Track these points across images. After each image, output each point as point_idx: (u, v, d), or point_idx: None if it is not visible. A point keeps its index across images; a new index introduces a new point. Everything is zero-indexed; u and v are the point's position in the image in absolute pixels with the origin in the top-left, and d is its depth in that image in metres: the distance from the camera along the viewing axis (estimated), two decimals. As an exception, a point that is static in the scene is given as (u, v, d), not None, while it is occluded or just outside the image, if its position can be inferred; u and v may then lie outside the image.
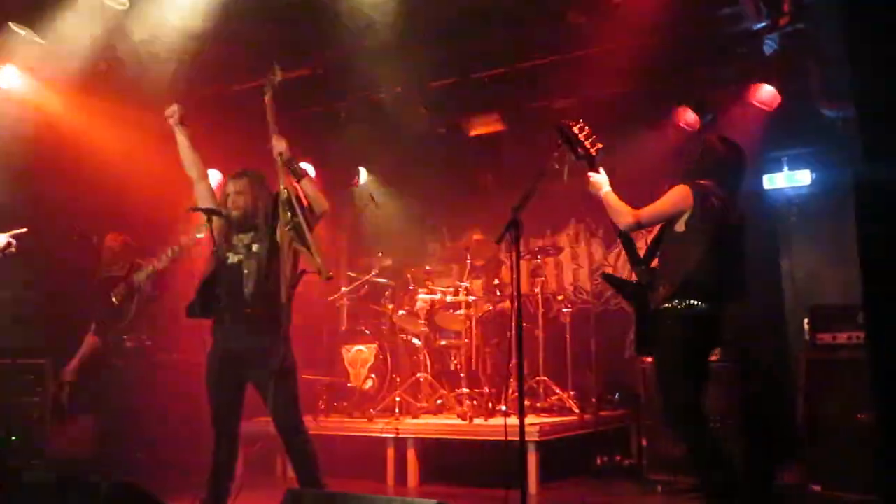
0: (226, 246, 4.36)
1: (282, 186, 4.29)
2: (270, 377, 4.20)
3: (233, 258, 4.33)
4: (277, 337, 4.21)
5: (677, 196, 3.94)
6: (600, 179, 4.12)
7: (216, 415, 4.29)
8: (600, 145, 4.14)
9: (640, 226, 4.02)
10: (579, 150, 4.11)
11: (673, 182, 4.02)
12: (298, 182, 4.31)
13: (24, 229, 4.40)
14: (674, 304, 3.90)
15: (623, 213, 4.03)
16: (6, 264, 4.49)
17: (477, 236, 6.99)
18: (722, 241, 3.90)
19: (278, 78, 4.43)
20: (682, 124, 6.67)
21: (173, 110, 4.46)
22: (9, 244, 4.32)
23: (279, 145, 4.32)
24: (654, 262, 4.15)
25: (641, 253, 4.21)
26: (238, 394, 4.36)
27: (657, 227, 4.17)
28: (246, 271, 4.27)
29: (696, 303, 3.86)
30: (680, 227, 3.93)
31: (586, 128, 4.12)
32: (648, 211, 4.00)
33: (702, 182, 3.96)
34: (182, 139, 4.48)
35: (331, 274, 4.24)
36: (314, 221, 4.32)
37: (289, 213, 4.22)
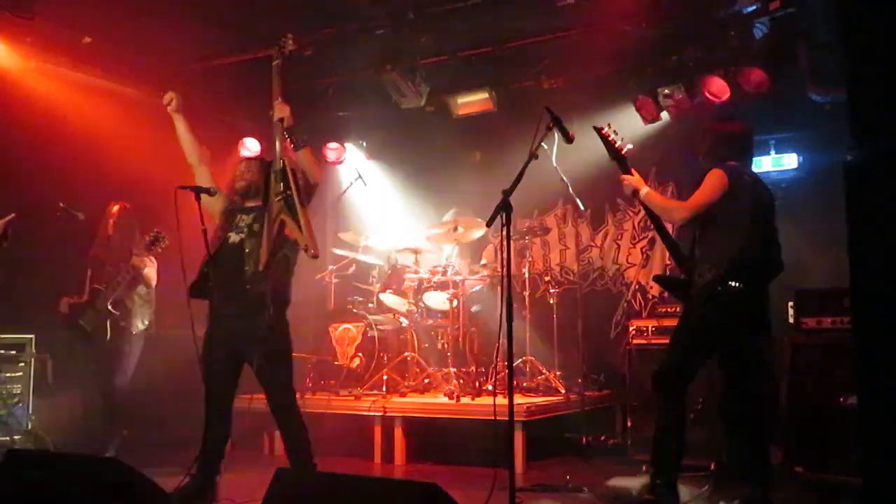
0: (227, 226, 4.33)
1: (277, 156, 4.24)
2: (266, 357, 4.18)
3: (234, 237, 4.32)
4: (275, 316, 4.19)
5: (716, 181, 3.94)
6: (635, 181, 4.16)
7: (210, 393, 4.25)
8: (630, 146, 4.20)
9: (693, 217, 4.02)
10: (612, 152, 4.17)
11: (706, 170, 4.05)
12: (297, 152, 4.25)
13: (13, 215, 4.32)
14: (717, 287, 3.88)
15: (675, 209, 4.09)
16: None
17: (465, 216, 6.96)
18: (758, 219, 3.95)
19: (290, 46, 4.37)
20: (671, 104, 6.64)
21: (171, 97, 4.41)
22: (4, 233, 4.24)
23: (281, 112, 4.26)
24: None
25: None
26: (233, 372, 4.34)
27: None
28: (247, 250, 4.26)
29: (738, 284, 3.84)
30: (718, 210, 3.94)
31: (615, 130, 4.19)
32: (695, 201, 4.00)
33: (731, 163, 4.01)
34: (180, 126, 4.46)
35: (316, 253, 4.19)
36: (308, 195, 4.26)
37: (281, 184, 4.18)
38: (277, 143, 4.27)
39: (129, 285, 5.57)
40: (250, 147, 7.53)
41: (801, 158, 6.49)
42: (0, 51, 5.76)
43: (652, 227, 4.59)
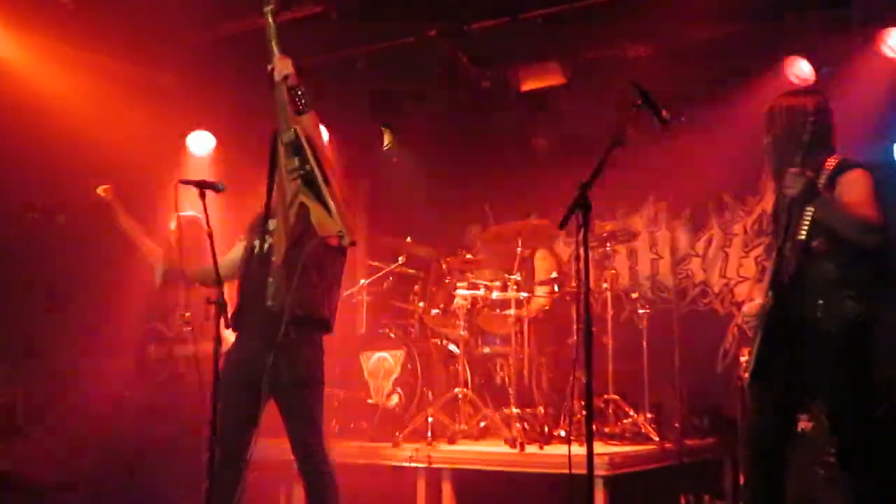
0: (256, 233, 4.42)
1: (286, 125, 4.22)
2: (290, 388, 4.21)
3: (260, 245, 4.40)
4: (302, 337, 4.22)
5: (872, 185, 3.86)
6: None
7: (223, 430, 4.21)
8: None
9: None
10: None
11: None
12: (300, 116, 4.24)
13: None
14: (866, 322, 3.88)
15: (869, 227, 3.79)
16: None
17: (531, 217, 6.97)
18: None
19: None
20: (791, 79, 6.56)
21: (106, 188, 5.01)
22: None
23: (285, 67, 4.19)
24: None
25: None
26: (251, 406, 4.33)
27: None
28: (274, 258, 4.30)
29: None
30: None
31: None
32: (881, 216, 3.81)
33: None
34: (123, 221, 5.05)
35: (352, 239, 4.17)
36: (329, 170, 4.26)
37: (296, 159, 4.19)
38: (284, 108, 4.24)
39: None
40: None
41: None
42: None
43: (767, 231, 4.48)
